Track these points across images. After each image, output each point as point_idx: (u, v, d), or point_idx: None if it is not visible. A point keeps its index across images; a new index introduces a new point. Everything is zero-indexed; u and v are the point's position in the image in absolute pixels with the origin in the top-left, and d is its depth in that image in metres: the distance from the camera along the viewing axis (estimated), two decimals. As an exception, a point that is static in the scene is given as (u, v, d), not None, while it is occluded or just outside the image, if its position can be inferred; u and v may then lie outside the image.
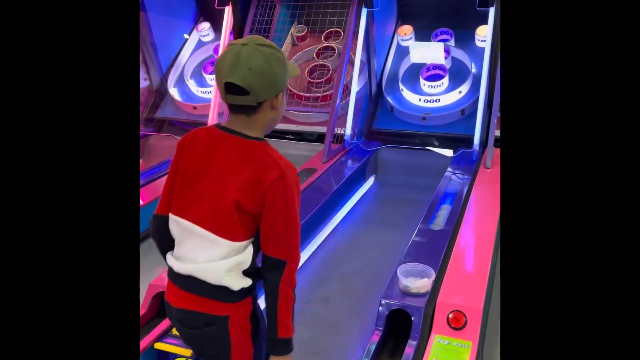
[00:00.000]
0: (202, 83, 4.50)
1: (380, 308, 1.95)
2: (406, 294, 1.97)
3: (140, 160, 4.06)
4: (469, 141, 3.53)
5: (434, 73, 3.96)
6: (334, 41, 4.32)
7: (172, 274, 1.38)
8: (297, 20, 4.45)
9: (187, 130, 4.75)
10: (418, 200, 3.28)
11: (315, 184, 3.12)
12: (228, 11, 4.02)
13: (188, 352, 1.86)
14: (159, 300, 2.07)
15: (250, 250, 1.33)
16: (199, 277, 1.32)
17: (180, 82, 4.59)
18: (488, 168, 3.26)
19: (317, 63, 4.22)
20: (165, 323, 1.98)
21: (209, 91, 4.37)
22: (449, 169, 3.30)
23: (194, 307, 1.33)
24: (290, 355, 1.35)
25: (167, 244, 1.40)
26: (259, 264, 1.36)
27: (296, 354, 1.78)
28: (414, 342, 1.86)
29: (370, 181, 3.68)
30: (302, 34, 4.42)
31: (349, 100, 3.71)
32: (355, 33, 3.71)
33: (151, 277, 2.14)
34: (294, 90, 4.08)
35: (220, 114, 3.98)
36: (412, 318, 1.89)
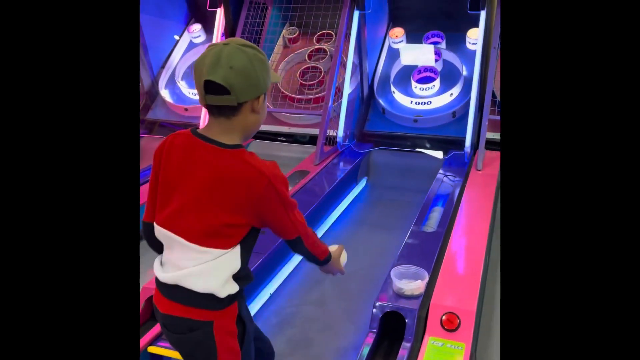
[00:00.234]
0: (193, 85, 4.47)
1: (374, 310, 1.95)
2: (400, 296, 1.98)
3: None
4: (460, 143, 3.55)
5: (425, 75, 3.98)
6: (326, 43, 4.33)
7: (158, 282, 1.38)
8: (289, 22, 4.45)
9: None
10: (410, 202, 3.30)
11: (307, 186, 3.12)
12: (220, 13, 4.02)
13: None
14: (151, 303, 2.06)
15: (239, 254, 1.33)
16: (184, 286, 1.31)
17: (172, 84, 4.57)
18: (479, 170, 3.28)
19: (309, 65, 4.22)
20: (159, 327, 1.97)
21: (200, 93, 4.36)
22: (441, 171, 3.32)
23: (178, 314, 1.33)
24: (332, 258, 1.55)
25: (160, 247, 1.40)
26: (251, 268, 1.40)
27: (290, 355, 1.78)
28: (408, 344, 1.86)
29: (363, 183, 3.68)
30: (294, 36, 4.42)
31: (341, 102, 3.72)
32: (347, 35, 3.72)
33: (144, 280, 2.13)
34: (286, 92, 4.09)
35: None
36: (406, 320, 1.90)
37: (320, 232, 2.98)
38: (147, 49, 4.46)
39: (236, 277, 1.33)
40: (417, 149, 3.78)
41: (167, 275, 1.33)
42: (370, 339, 1.92)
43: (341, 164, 3.53)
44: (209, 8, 4.05)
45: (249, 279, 1.39)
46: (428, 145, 3.81)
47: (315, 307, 2.38)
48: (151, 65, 4.54)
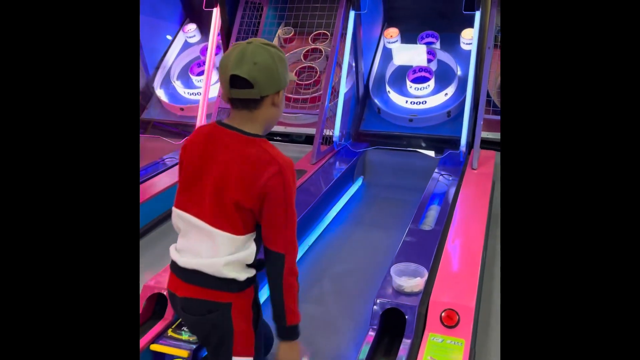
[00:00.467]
0: (188, 84, 4.48)
1: (375, 307, 1.97)
2: (400, 293, 2.00)
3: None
4: (455, 143, 3.59)
5: (420, 75, 4.01)
6: (321, 43, 4.35)
7: (176, 268, 1.43)
8: (285, 22, 4.47)
9: (173, 132, 4.69)
10: (406, 200, 3.32)
11: (304, 185, 3.14)
12: (216, 13, 4.02)
13: (184, 353, 1.86)
14: (154, 301, 2.07)
15: (253, 247, 1.40)
16: (204, 272, 1.37)
17: (167, 84, 4.57)
18: (475, 169, 3.31)
19: (305, 65, 4.24)
20: (161, 325, 1.98)
21: (196, 92, 4.36)
22: (436, 170, 3.35)
23: (198, 296, 1.39)
24: (298, 341, 1.44)
25: None
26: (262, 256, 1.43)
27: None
28: (408, 341, 1.88)
29: (359, 182, 3.71)
30: (289, 35, 4.44)
31: (337, 102, 3.74)
32: (343, 35, 3.74)
33: (145, 279, 2.14)
34: (282, 92, 4.09)
35: (208, 115, 3.97)
36: (407, 317, 1.92)
37: (318, 231, 3.00)
38: (142, 49, 4.46)
39: (250, 266, 1.41)
40: (413, 148, 3.81)
41: (186, 261, 1.39)
42: (371, 335, 1.94)
43: (337, 163, 3.55)
44: (205, 8, 4.05)
45: (262, 266, 1.45)
46: (423, 145, 3.84)
47: (315, 305, 2.40)
48: (146, 65, 4.53)
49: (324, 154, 3.61)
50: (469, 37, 4.00)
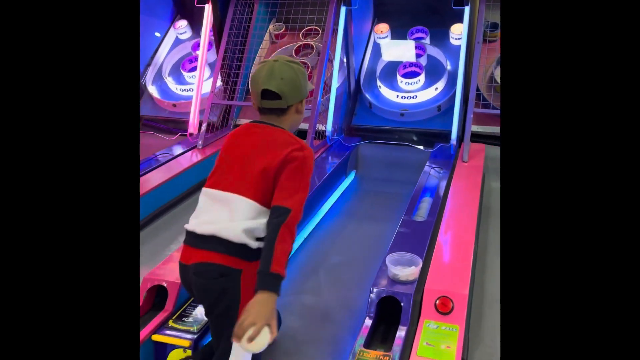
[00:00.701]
0: (180, 80, 4.50)
1: (371, 295, 2.02)
2: (395, 281, 2.05)
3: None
4: (445, 136, 3.65)
5: (410, 70, 4.06)
6: (312, 39, 4.38)
7: (191, 239, 1.57)
8: (276, 18, 4.49)
9: (166, 128, 4.70)
10: (398, 193, 3.38)
11: (299, 179, 3.17)
12: (208, 9, 4.04)
13: (186, 342, 1.90)
14: (154, 293, 2.10)
15: (265, 221, 1.51)
16: (221, 236, 1.50)
17: (159, 80, 4.58)
18: (465, 162, 3.37)
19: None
20: (161, 316, 2.02)
21: (188, 89, 4.37)
22: (428, 164, 3.40)
23: (212, 260, 1.51)
24: (276, 298, 1.41)
25: None
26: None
27: (288, 342, 1.82)
28: (404, 328, 1.93)
29: (352, 176, 3.75)
30: (281, 31, 4.47)
31: (329, 97, 3.78)
32: (334, 31, 3.78)
33: (144, 271, 2.17)
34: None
35: (201, 111, 3.99)
36: (402, 304, 1.97)
37: (311, 225, 3.04)
38: (134, 45, 4.45)
39: (261, 240, 1.53)
40: (404, 142, 3.86)
41: (204, 228, 1.53)
42: (368, 323, 1.98)
43: (330, 157, 3.59)
44: (197, 4, 4.07)
45: None
46: (415, 139, 3.90)
47: (311, 295, 2.44)
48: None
49: (317, 149, 3.65)
50: (458, 32, 4.05)
